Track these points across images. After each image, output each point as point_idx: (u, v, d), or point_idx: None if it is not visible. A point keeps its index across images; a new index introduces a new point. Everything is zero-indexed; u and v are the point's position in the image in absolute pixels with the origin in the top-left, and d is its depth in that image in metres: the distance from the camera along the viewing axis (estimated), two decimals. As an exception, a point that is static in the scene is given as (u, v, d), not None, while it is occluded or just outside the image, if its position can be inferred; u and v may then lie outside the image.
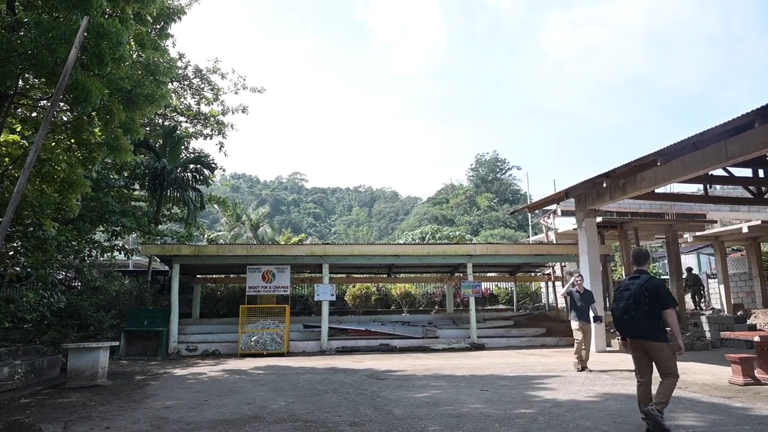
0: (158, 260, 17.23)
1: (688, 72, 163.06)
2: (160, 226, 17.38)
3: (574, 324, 10.41)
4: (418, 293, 21.71)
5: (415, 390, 8.03)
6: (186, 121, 20.16)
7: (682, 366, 6.92)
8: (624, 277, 16.99)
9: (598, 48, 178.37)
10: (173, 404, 7.13)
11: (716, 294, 19.49)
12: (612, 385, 8.15)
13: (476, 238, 46.94)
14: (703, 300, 19.39)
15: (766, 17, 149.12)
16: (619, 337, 5.75)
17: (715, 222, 20.68)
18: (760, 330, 13.75)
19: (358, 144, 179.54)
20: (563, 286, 20.03)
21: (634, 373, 5.60)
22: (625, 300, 5.45)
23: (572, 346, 15.03)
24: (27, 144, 9.26)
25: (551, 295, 21.52)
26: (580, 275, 10.89)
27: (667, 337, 5.28)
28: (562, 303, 20.14)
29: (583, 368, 9.89)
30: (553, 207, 18.69)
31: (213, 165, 19.39)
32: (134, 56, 10.88)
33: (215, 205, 25.02)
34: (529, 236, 36.94)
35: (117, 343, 12.34)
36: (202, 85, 19.41)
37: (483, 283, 20.41)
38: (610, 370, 9.88)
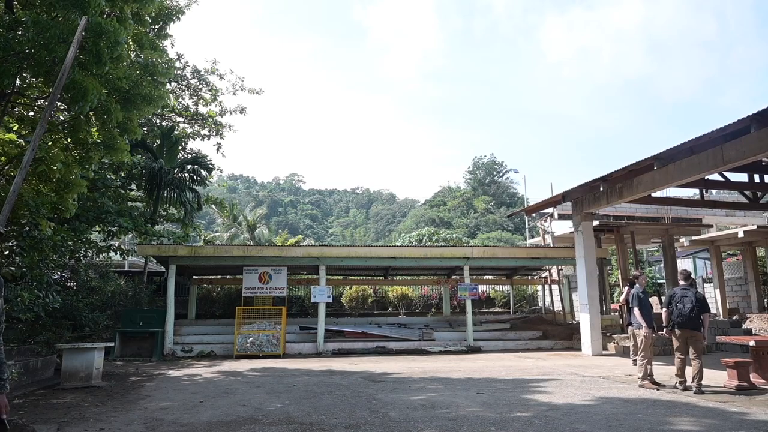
0: (154, 261, 17.18)
1: (685, 76, 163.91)
2: (156, 227, 17.30)
3: (646, 332, 8.60)
4: (415, 296, 21.70)
5: (411, 393, 8.01)
6: (184, 122, 20.13)
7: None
8: (621, 280, 17.06)
9: (595, 51, 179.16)
10: (168, 406, 7.10)
11: (712, 298, 19.54)
12: (608, 389, 8.15)
13: (473, 241, 46.99)
14: None
15: (761, 22, 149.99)
16: (670, 329, 8.20)
17: (711, 226, 20.72)
18: (755, 334, 13.78)
19: (355, 146, 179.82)
20: (560, 290, 20.14)
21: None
22: (690, 304, 7.96)
23: (570, 350, 15.16)
24: (24, 143, 9.21)
25: (548, 298, 21.54)
26: (642, 272, 9.75)
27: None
28: (558, 306, 20.18)
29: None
30: (550, 210, 18.71)
31: (210, 166, 19.35)
32: (132, 56, 10.85)
33: (212, 206, 24.98)
34: (526, 239, 36.98)
35: (112, 344, 12.28)
36: (200, 86, 19.40)
37: (480, 285, 20.41)
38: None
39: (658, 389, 8.11)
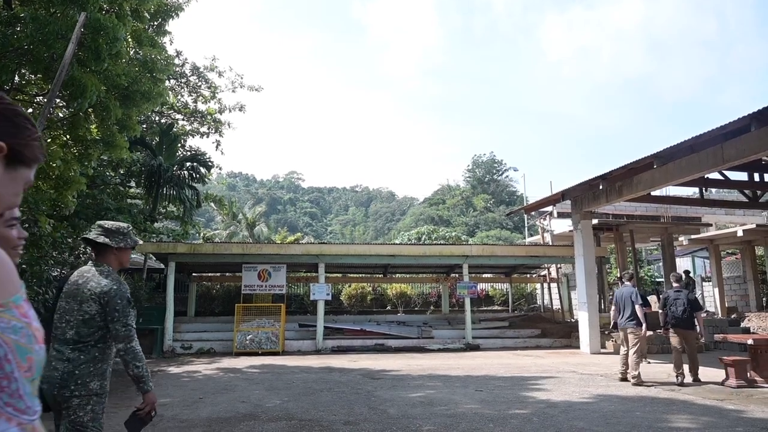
0: (154, 258, 17.17)
1: (685, 75, 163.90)
2: (155, 224, 17.31)
3: (644, 331, 8.74)
4: (414, 293, 21.71)
5: (410, 390, 8.03)
6: (183, 119, 20.08)
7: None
8: (618, 280, 17.10)
9: (595, 50, 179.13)
10: (168, 402, 7.11)
11: (710, 297, 19.56)
12: (606, 387, 8.17)
13: (472, 239, 46.98)
14: None
15: (761, 20, 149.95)
16: (666, 329, 8.97)
17: (711, 225, 20.75)
18: (754, 333, 13.81)
19: (355, 143, 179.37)
20: (558, 288, 20.14)
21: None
22: (682, 305, 8.69)
23: (568, 347, 15.18)
24: (22, 140, 9.20)
25: (546, 297, 21.55)
26: (627, 272, 9.67)
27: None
28: (557, 305, 20.19)
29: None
30: (549, 209, 18.70)
31: (209, 163, 19.33)
32: (131, 53, 10.84)
33: (211, 204, 24.94)
34: (525, 238, 37.00)
35: (111, 341, 12.28)
36: (200, 83, 19.35)
37: (478, 284, 20.39)
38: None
39: (642, 385, 8.27)
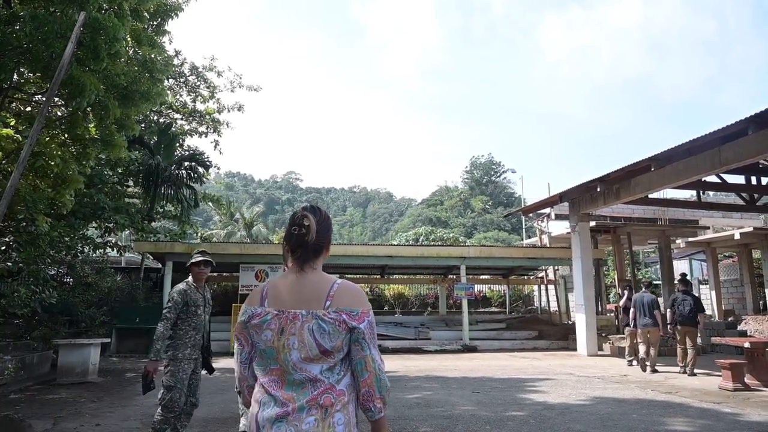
0: (151, 257, 17.14)
1: (685, 75, 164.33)
2: (153, 224, 17.25)
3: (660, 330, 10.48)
4: (411, 294, 21.72)
5: (407, 391, 8.03)
6: (181, 119, 20.05)
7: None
8: (617, 281, 17.16)
9: (594, 50, 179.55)
10: (164, 402, 7.09)
11: (708, 300, 19.61)
12: (603, 389, 8.18)
13: (470, 241, 47.01)
14: None
15: (760, 21, 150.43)
16: (673, 326, 10.06)
17: (708, 228, 20.80)
18: (750, 336, 13.84)
19: (353, 144, 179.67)
20: (556, 290, 20.17)
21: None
22: (689, 306, 9.82)
23: (565, 350, 15.21)
24: (21, 138, 9.18)
25: (544, 299, 21.58)
26: (645, 279, 11.82)
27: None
28: (554, 306, 20.22)
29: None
30: (547, 210, 18.74)
31: (208, 163, 19.28)
32: (130, 53, 10.82)
33: (209, 204, 24.87)
34: (522, 239, 37.04)
35: (108, 340, 12.26)
36: (198, 83, 19.32)
37: (476, 285, 20.43)
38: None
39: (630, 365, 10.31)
